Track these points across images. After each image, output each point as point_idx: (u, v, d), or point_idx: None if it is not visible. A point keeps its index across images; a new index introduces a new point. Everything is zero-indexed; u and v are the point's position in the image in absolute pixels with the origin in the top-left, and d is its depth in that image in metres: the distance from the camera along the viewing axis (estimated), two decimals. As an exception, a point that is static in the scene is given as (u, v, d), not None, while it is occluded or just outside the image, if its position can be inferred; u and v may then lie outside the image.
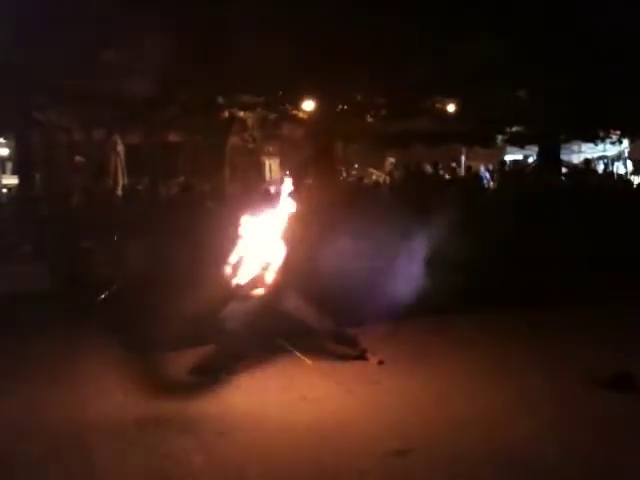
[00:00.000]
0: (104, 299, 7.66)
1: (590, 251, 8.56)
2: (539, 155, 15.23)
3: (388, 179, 16.26)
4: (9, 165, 17.56)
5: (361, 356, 5.27)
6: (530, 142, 14.98)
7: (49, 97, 10.67)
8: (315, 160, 13.29)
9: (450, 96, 12.79)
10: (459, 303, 6.73)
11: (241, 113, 13.02)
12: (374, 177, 17.50)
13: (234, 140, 14.70)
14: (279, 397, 4.66)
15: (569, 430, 4.01)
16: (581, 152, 19.47)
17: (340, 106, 12.82)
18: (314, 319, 5.23)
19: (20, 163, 13.17)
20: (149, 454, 3.78)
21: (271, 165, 17.90)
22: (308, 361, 5.20)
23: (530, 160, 18.10)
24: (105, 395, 4.73)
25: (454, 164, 16.65)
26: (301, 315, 5.22)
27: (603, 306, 6.87)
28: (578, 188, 12.23)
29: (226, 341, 5.07)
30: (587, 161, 15.79)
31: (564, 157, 16.82)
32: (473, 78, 11.37)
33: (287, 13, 10.17)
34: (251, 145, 15.48)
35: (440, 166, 14.86)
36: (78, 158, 13.72)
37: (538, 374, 4.94)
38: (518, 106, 12.92)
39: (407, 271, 8.24)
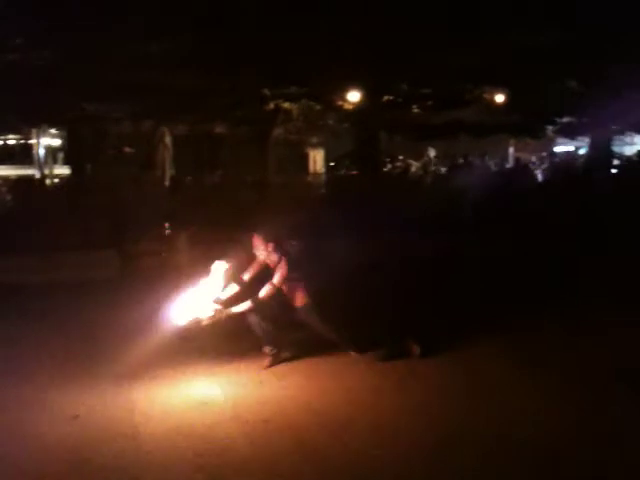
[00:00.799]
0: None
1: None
2: (590, 146, 14.83)
3: (422, 171, 16.11)
4: (60, 156, 18.06)
5: (398, 353, 5.20)
6: (581, 133, 14.58)
7: (99, 89, 10.90)
8: (359, 151, 13.24)
9: (498, 86, 12.55)
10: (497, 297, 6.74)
11: (286, 104, 13.05)
12: (413, 169, 17.37)
13: (279, 131, 14.77)
14: (324, 387, 4.66)
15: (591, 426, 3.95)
16: (634, 144, 18.88)
17: (385, 97, 12.72)
18: (328, 330, 5.13)
19: (71, 154, 13.53)
20: (194, 439, 3.85)
21: (315, 156, 17.93)
22: (353, 353, 5.17)
23: (581, 152, 17.63)
24: (149, 377, 4.84)
25: (486, 156, 16.23)
26: (315, 327, 5.16)
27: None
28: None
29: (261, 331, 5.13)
30: (640, 153, 15.34)
31: (616, 149, 16.34)
32: (523, 68, 11.14)
33: (332, 4, 10.14)
34: (295, 136, 15.54)
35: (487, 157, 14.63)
36: (127, 149, 14.01)
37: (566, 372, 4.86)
38: (569, 96, 12.60)
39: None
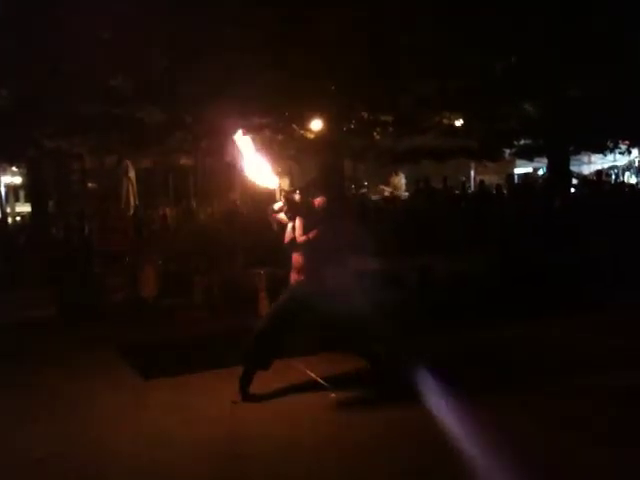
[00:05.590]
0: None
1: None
2: (549, 167, 15.13)
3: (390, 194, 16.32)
4: (22, 194, 17.83)
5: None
6: (539, 154, 14.90)
7: (60, 125, 10.81)
8: (323, 180, 13.31)
9: (456, 110, 12.81)
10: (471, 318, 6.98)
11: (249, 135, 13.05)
12: (386, 193, 17.51)
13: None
14: (296, 418, 4.63)
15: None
16: (591, 163, 19.42)
17: (347, 125, 12.88)
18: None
19: (33, 191, 13.36)
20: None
21: (281, 185, 17.98)
22: (332, 395, 4.91)
23: (540, 172, 18.04)
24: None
25: (464, 178, 16.58)
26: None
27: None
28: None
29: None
30: (599, 172, 15.64)
31: (574, 168, 16.73)
32: (479, 92, 11.40)
33: (292, 34, 10.26)
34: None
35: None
36: (90, 184, 13.89)
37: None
38: (526, 118, 12.90)
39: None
